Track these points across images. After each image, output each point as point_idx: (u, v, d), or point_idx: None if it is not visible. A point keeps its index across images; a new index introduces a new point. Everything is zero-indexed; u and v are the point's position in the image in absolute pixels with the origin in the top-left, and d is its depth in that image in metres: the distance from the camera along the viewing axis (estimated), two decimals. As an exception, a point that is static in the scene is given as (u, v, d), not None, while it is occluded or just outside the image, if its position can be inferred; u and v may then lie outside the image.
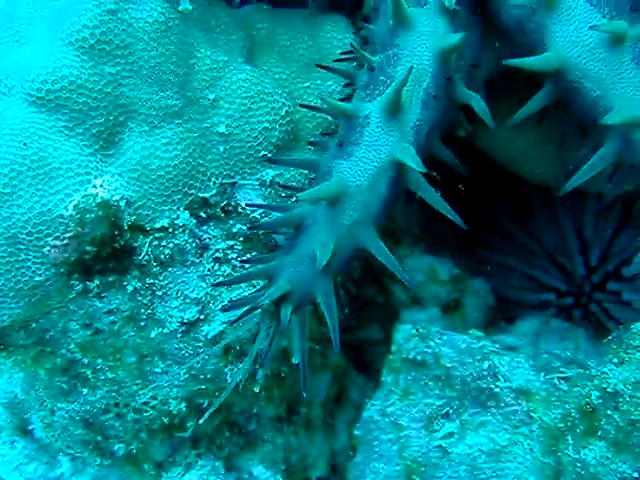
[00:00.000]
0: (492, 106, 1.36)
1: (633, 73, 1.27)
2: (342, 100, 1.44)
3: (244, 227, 1.41)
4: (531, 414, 1.52)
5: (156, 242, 1.36)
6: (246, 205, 1.40)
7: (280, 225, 1.35)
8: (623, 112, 1.26)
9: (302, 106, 1.39)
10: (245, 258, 1.38)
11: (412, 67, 1.26)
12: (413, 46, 1.30)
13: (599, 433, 1.30)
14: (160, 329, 1.40)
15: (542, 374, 1.56)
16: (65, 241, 1.28)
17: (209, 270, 1.40)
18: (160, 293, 1.38)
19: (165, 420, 1.46)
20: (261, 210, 1.42)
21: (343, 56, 1.43)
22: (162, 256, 1.37)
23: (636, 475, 1.25)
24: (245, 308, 1.30)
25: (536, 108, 1.34)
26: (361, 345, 1.87)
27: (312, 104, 1.40)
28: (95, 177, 1.30)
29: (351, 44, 1.39)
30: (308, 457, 1.65)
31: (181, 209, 1.36)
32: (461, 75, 1.34)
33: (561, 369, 1.56)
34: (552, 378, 1.55)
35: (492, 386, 1.55)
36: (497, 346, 1.62)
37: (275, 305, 1.29)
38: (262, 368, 1.38)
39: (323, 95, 1.46)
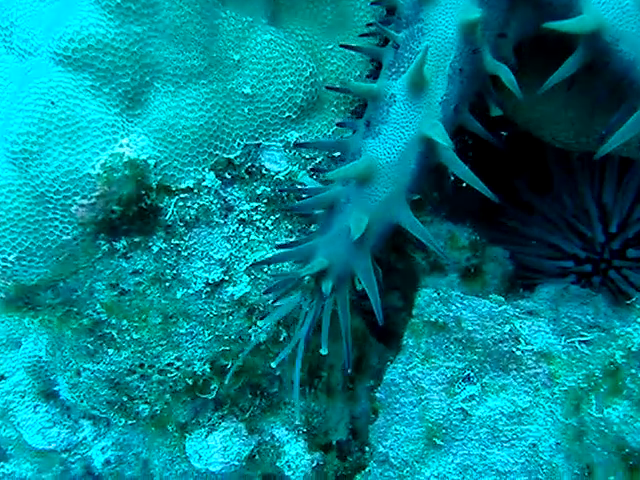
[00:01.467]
0: (520, 73, 1.35)
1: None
2: (369, 77, 1.46)
3: (268, 189, 1.41)
4: (552, 376, 1.52)
5: (181, 203, 1.37)
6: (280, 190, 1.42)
7: (313, 206, 1.36)
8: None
9: (328, 88, 1.41)
10: (281, 243, 1.39)
11: (428, 46, 1.26)
12: (437, 20, 1.29)
13: (623, 392, 1.31)
14: (185, 290, 1.40)
15: (563, 338, 1.56)
16: (92, 200, 1.28)
17: (233, 231, 1.41)
18: (185, 254, 1.39)
19: (189, 381, 1.47)
20: (285, 172, 1.42)
21: (368, 29, 1.43)
22: (187, 217, 1.37)
23: (660, 432, 1.26)
24: (285, 287, 1.33)
25: (569, 72, 1.34)
26: (384, 311, 1.88)
27: (337, 86, 1.42)
28: (122, 136, 1.30)
29: (374, 23, 1.38)
30: (329, 421, 1.66)
31: (206, 170, 1.37)
32: (488, 46, 1.33)
33: (582, 333, 1.56)
34: (573, 342, 1.55)
35: (513, 349, 1.55)
36: (518, 310, 1.62)
37: (315, 281, 1.31)
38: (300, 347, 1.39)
39: (347, 57, 1.45)
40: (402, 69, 1.31)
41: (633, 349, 1.30)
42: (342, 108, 1.46)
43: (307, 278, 1.34)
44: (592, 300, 1.69)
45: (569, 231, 1.88)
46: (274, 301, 1.38)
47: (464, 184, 1.33)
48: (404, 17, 1.33)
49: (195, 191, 1.37)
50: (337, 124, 1.44)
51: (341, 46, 1.42)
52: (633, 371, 1.30)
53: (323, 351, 1.36)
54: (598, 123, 1.50)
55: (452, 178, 1.38)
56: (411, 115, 1.29)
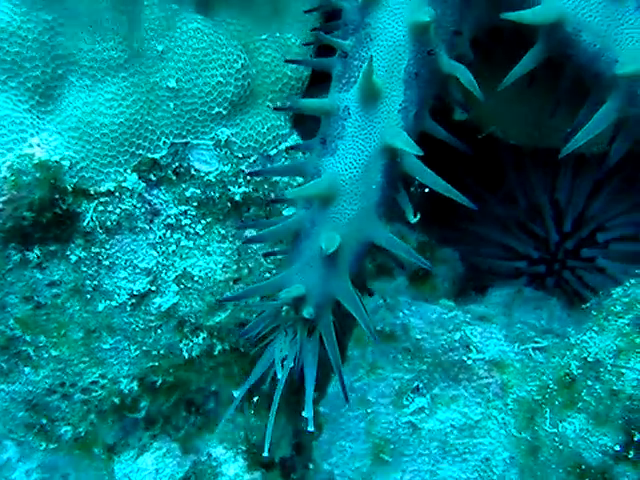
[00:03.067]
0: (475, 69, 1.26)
1: (638, 22, 1.18)
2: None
3: (198, 191, 1.31)
4: (505, 387, 1.44)
5: (101, 207, 1.25)
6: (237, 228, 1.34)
7: (275, 236, 1.27)
8: (631, 63, 1.17)
9: (275, 109, 1.34)
10: (248, 288, 1.29)
11: (372, 56, 1.17)
12: (386, 23, 1.19)
13: (579, 405, 1.23)
14: (108, 302, 1.29)
15: (516, 344, 1.48)
16: (-1, 206, 1.16)
17: (160, 237, 1.30)
18: (107, 263, 1.28)
19: (116, 400, 1.37)
20: (216, 172, 1.31)
21: (305, 18, 1.34)
22: (108, 222, 1.26)
23: (618, 448, 1.18)
24: (263, 323, 1.25)
25: (529, 67, 1.25)
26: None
27: (282, 105, 1.37)
28: (31, 135, 1.19)
29: (317, 33, 1.28)
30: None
31: (128, 171, 1.25)
32: (443, 46, 1.23)
33: (536, 339, 1.48)
34: (527, 349, 1.47)
35: (464, 358, 1.47)
36: (469, 316, 1.54)
37: (295, 311, 1.22)
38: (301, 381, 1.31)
39: (282, 48, 1.35)
40: (353, 79, 1.21)
41: (589, 359, 1.22)
42: (278, 103, 1.36)
43: (285, 309, 1.23)
44: (546, 304, 1.61)
45: (522, 230, 1.80)
46: (255, 343, 1.28)
47: (427, 189, 1.24)
48: (350, 22, 1.22)
49: (116, 194, 1.25)
50: (289, 148, 1.36)
51: (286, 61, 1.34)
52: (590, 383, 1.21)
53: (309, 427, 1.29)
54: (554, 118, 1.42)
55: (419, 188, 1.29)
56: (369, 126, 1.19)
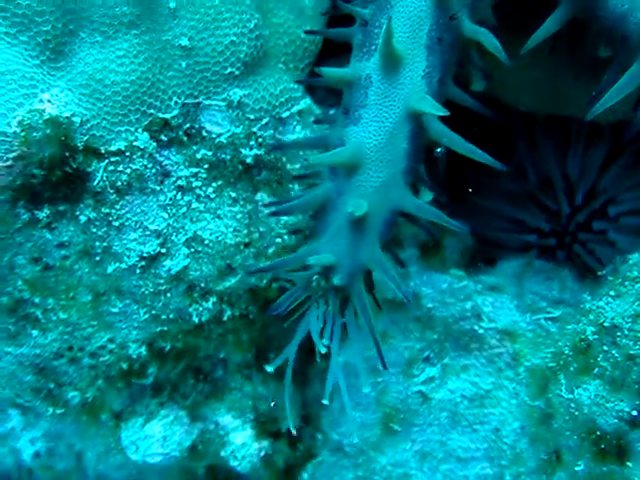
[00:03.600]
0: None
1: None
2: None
3: (209, 153, 1.28)
4: (517, 356, 1.43)
5: (112, 167, 1.23)
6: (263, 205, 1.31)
7: (302, 209, 1.25)
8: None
9: (297, 82, 1.33)
10: (277, 261, 1.25)
11: (390, 16, 1.14)
12: None
13: (595, 371, 1.21)
14: (117, 264, 1.27)
15: (528, 315, 1.47)
16: (9, 162, 1.14)
17: (171, 199, 1.28)
18: (117, 224, 1.26)
19: (124, 366, 1.35)
20: (228, 134, 1.29)
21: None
22: (119, 183, 1.24)
23: (635, 413, 1.16)
24: (293, 296, 1.21)
25: (554, 29, 1.22)
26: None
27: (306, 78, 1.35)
28: (42, 91, 1.17)
29: (337, 2, 1.26)
30: (279, 407, 1.54)
31: (139, 130, 1.23)
32: (465, 10, 1.21)
33: (548, 309, 1.47)
34: (539, 319, 1.46)
35: (475, 327, 1.45)
36: (480, 286, 1.52)
37: (325, 280, 1.19)
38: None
39: (295, 9, 1.33)
40: (373, 47, 1.18)
41: (605, 324, 1.20)
42: (291, 65, 1.34)
43: (315, 278, 1.20)
44: (557, 275, 1.60)
45: (532, 203, 1.78)
46: (285, 316, 1.24)
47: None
48: None
49: (127, 154, 1.23)
50: (314, 122, 1.34)
51: (306, 32, 1.32)
52: (605, 348, 1.20)
53: (324, 400, 1.26)
54: (570, 87, 1.40)
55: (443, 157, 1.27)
56: (392, 93, 1.17)
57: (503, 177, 1.80)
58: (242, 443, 1.47)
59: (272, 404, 1.40)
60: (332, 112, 1.34)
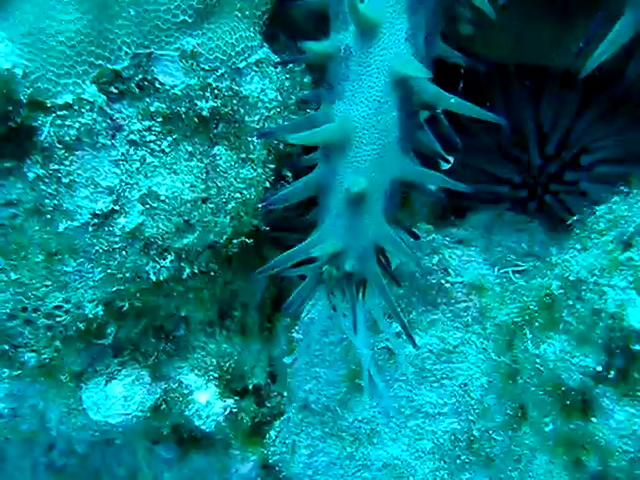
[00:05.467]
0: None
1: None
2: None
3: (163, 105, 1.23)
4: (484, 310, 1.40)
5: (59, 121, 1.18)
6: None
7: (297, 195, 1.19)
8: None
9: (278, 64, 1.28)
10: (280, 257, 1.19)
11: None
12: None
13: (560, 326, 1.19)
14: (69, 222, 1.23)
15: (496, 268, 1.44)
16: (-52, 117, 1.09)
17: (123, 154, 1.23)
18: (67, 181, 1.21)
19: (81, 326, 1.31)
20: (182, 86, 1.24)
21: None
22: (67, 138, 1.19)
23: (600, 369, 1.14)
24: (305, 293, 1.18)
25: None
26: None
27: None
28: (-21, 41, 1.11)
29: None
30: (244, 364, 1.52)
31: (87, 83, 1.18)
32: None
33: (516, 262, 1.44)
34: (507, 272, 1.43)
35: (442, 282, 1.42)
36: (447, 239, 1.49)
37: (336, 269, 1.14)
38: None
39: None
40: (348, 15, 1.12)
41: (571, 278, 1.17)
42: (247, 13, 1.28)
43: (325, 269, 1.15)
44: (528, 227, 1.57)
45: (504, 155, 1.74)
46: (296, 308, 1.21)
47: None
48: None
49: (75, 108, 1.18)
50: (301, 101, 1.30)
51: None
52: (570, 302, 1.17)
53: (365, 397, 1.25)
54: (539, 34, 1.35)
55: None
56: (375, 61, 1.12)
57: (475, 129, 1.76)
58: (206, 402, 1.44)
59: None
60: (316, 91, 1.28)
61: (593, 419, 1.17)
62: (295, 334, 1.47)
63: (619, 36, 1.14)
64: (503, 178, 1.74)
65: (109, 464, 1.82)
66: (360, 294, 1.20)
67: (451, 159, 1.27)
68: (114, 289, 1.29)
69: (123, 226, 1.25)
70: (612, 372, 1.13)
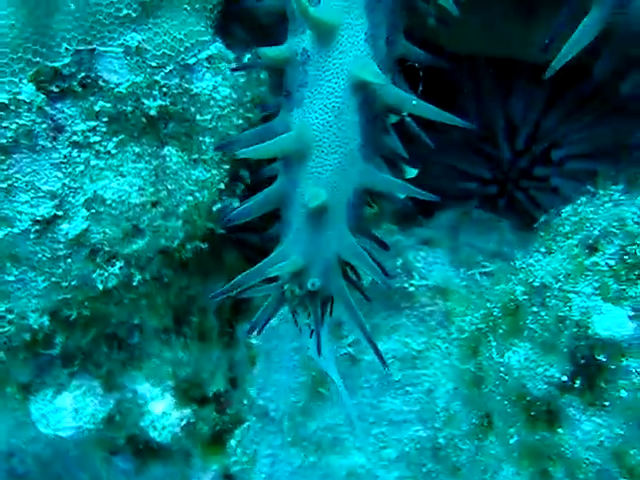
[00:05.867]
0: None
1: None
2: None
3: (108, 104, 1.17)
4: (449, 315, 1.35)
5: (-5, 123, 1.12)
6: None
7: (259, 208, 1.13)
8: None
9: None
10: (240, 276, 1.12)
11: None
12: None
13: (524, 333, 1.14)
14: (9, 229, 1.17)
15: (462, 269, 1.40)
16: None
17: (65, 157, 1.17)
18: (4, 186, 1.15)
19: (26, 336, 1.25)
20: (128, 84, 1.17)
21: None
22: (3, 140, 1.13)
23: (565, 378, 1.09)
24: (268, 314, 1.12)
25: None
26: (265, 246, 1.67)
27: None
28: None
29: None
30: (203, 371, 1.46)
31: (24, 81, 1.11)
32: None
33: (483, 263, 1.40)
34: (473, 274, 1.38)
35: (406, 285, 1.37)
36: (413, 240, 1.44)
37: (299, 287, 1.08)
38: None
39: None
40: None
41: (535, 284, 1.12)
42: (197, 6, 1.22)
43: (287, 288, 1.09)
44: (496, 226, 1.52)
45: (473, 150, 1.69)
46: (259, 330, 1.14)
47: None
48: None
49: (12, 108, 1.12)
50: (261, 109, 1.24)
51: None
52: (535, 309, 1.12)
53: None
54: (503, 25, 1.30)
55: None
56: (332, 64, 1.06)
57: (442, 124, 1.71)
58: (162, 412, 1.39)
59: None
60: (275, 99, 1.22)
61: (559, 430, 1.12)
62: (254, 340, 1.41)
63: (585, 34, 1.08)
64: (472, 174, 1.69)
65: (72, 471, 1.77)
66: (327, 311, 1.14)
67: (415, 171, 1.22)
68: (60, 298, 1.23)
69: (67, 232, 1.19)
70: (578, 381, 1.08)
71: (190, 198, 1.26)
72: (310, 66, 1.07)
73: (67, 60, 1.14)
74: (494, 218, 1.55)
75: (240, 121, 1.29)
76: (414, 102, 1.10)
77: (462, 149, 1.70)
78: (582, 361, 1.06)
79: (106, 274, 1.23)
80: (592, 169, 1.58)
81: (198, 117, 1.24)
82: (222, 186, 1.29)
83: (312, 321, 1.11)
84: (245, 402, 1.45)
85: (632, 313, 1.04)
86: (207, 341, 1.47)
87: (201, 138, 1.25)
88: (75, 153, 1.17)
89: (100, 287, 1.23)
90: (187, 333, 1.43)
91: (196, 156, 1.25)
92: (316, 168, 1.07)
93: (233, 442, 1.47)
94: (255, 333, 1.14)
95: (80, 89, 1.16)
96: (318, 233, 1.08)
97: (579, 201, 1.16)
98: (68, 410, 1.33)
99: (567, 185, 1.62)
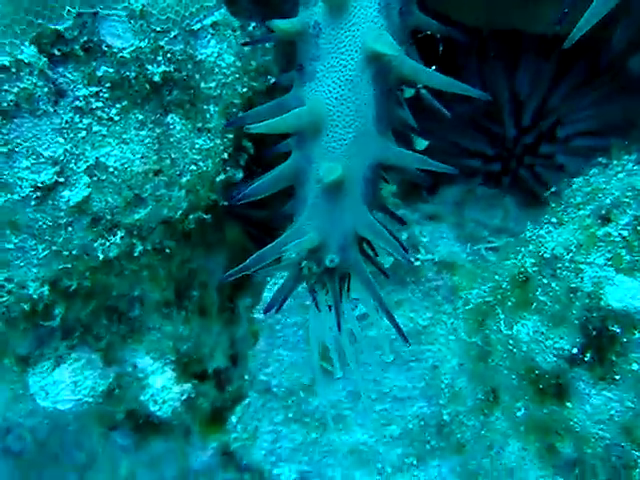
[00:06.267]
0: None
1: None
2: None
3: (111, 70, 1.14)
4: (455, 289, 1.33)
5: (-5, 85, 1.09)
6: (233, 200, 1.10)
7: (272, 186, 1.08)
8: None
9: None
10: (256, 254, 1.09)
11: None
12: None
13: (534, 305, 1.12)
14: (9, 195, 1.14)
15: (468, 245, 1.38)
16: None
17: (67, 122, 1.14)
18: (5, 150, 1.12)
19: (25, 307, 1.22)
20: (132, 49, 1.15)
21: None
22: (4, 103, 1.10)
23: (574, 351, 1.08)
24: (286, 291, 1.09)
25: None
26: (268, 223, 1.64)
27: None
28: None
29: None
30: (203, 347, 1.44)
31: (26, 43, 1.09)
32: None
33: (489, 238, 1.38)
34: (479, 249, 1.37)
35: (412, 259, 1.35)
36: (417, 215, 1.42)
37: (316, 264, 1.05)
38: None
39: None
40: None
41: (546, 255, 1.10)
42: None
43: (304, 265, 1.06)
44: (501, 202, 1.50)
45: (478, 126, 1.67)
46: (277, 308, 1.11)
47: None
48: None
49: (12, 70, 1.09)
50: (274, 84, 1.22)
51: None
52: (545, 281, 1.10)
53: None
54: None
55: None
56: (346, 36, 1.03)
57: (447, 98, 1.68)
58: (162, 386, 1.37)
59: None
60: (287, 73, 1.18)
61: (568, 404, 1.11)
62: (257, 315, 1.39)
63: (604, 3, 1.06)
64: (476, 151, 1.67)
65: (68, 449, 1.74)
66: (345, 287, 1.12)
67: (425, 143, 1.20)
68: (60, 267, 1.20)
69: (68, 199, 1.16)
70: (588, 354, 1.07)
71: (194, 167, 1.23)
72: (322, 39, 1.04)
73: (69, 23, 1.11)
74: (499, 194, 1.54)
75: (244, 90, 1.26)
76: (429, 73, 1.08)
77: (465, 124, 1.68)
78: (593, 332, 1.05)
79: (107, 244, 1.21)
80: (599, 146, 1.57)
81: (202, 84, 1.21)
82: (226, 156, 1.27)
83: (331, 297, 1.09)
84: (246, 378, 1.43)
85: (645, 284, 1.03)
86: (208, 316, 1.45)
87: (205, 106, 1.23)
88: (77, 119, 1.15)
89: (101, 257, 1.21)
90: (188, 307, 1.41)
91: (200, 124, 1.23)
92: (330, 143, 1.04)
93: (233, 419, 1.45)
94: (273, 311, 1.11)
95: (82, 53, 1.13)
96: (334, 209, 1.05)
97: (591, 172, 1.14)
98: (67, 383, 1.31)
99: (573, 162, 1.60)
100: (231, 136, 1.27)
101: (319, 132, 1.04)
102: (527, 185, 1.63)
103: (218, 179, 1.27)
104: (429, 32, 1.17)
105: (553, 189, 1.19)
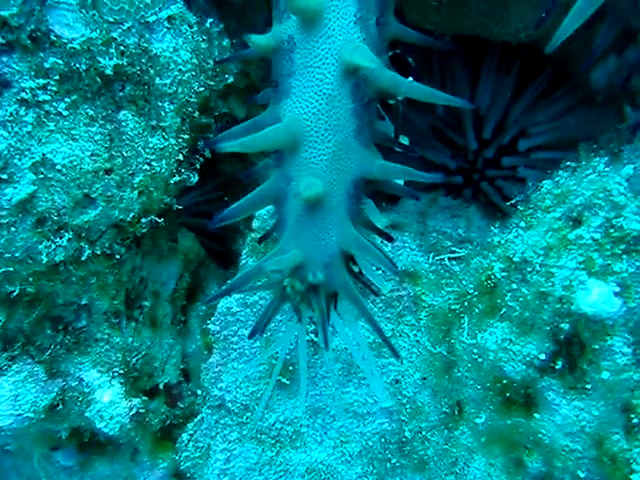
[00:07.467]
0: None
1: None
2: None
3: (60, 61, 1.08)
4: (418, 299, 1.28)
5: None
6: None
7: (251, 207, 1.04)
8: None
9: (217, 63, 1.18)
10: (239, 276, 1.04)
11: None
12: None
13: (502, 312, 1.08)
14: (-54, 192, 1.07)
15: (431, 254, 1.33)
16: None
17: (12, 115, 1.07)
18: (-58, 145, 1.05)
19: (-37, 314, 1.14)
20: (82, 39, 1.09)
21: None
22: (-57, 93, 1.03)
23: (544, 357, 1.04)
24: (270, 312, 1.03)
25: None
26: (223, 232, 1.58)
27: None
28: None
29: None
30: (154, 360, 1.37)
31: (-33, 30, 1.02)
32: None
33: (452, 248, 1.33)
34: (442, 259, 1.32)
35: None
36: (379, 225, 1.37)
37: (300, 282, 1.00)
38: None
39: None
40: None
41: (515, 259, 1.06)
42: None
43: (287, 283, 1.01)
44: (464, 212, 1.46)
45: (438, 138, 1.64)
46: (261, 330, 1.05)
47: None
48: None
49: (-48, 58, 1.02)
50: (248, 103, 1.19)
51: None
52: (514, 286, 1.06)
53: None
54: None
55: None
56: (322, 50, 0.99)
57: (407, 110, 1.65)
58: (109, 401, 1.29)
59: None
60: (263, 90, 1.14)
61: (536, 415, 1.06)
62: (211, 326, 1.33)
63: (588, 5, 1.03)
64: (437, 163, 1.64)
65: (7, 474, 1.64)
66: (332, 305, 1.07)
67: (406, 139, 1.16)
68: (1, 271, 1.13)
69: (11, 197, 1.09)
70: (559, 362, 1.02)
71: (147, 167, 1.17)
72: (297, 53, 1.00)
73: (15, 10, 1.05)
74: (461, 204, 1.50)
75: (201, 89, 1.21)
76: (409, 84, 1.03)
77: (426, 137, 1.65)
78: (564, 339, 1.01)
79: (53, 246, 1.14)
80: (559, 159, 1.55)
81: (157, 80, 1.16)
82: (181, 157, 1.21)
83: (317, 315, 1.04)
84: (199, 393, 1.36)
85: (618, 289, 0.99)
86: (159, 328, 1.38)
87: (160, 103, 1.17)
88: (22, 112, 1.08)
89: (46, 261, 1.13)
90: (139, 318, 1.33)
91: (154, 122, 1.17)
92: (310, 159, 0.99)
93: (185, 436, 1.38)
94: (258, 335, 1.06)
95: (29, 43, 1.07)
96: (317, 226, 1.00)
97: (559, 175, 1.11)
98: (7, 397, 1.22)
99: (535, 176, 1.58)
100: (186, 137, 1.21)
101: (297, 149, 0.99)
102: (489, 198, 1.60)
103: (172, 181, 1.22)
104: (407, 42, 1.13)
105: (519, 197, 1.15)
